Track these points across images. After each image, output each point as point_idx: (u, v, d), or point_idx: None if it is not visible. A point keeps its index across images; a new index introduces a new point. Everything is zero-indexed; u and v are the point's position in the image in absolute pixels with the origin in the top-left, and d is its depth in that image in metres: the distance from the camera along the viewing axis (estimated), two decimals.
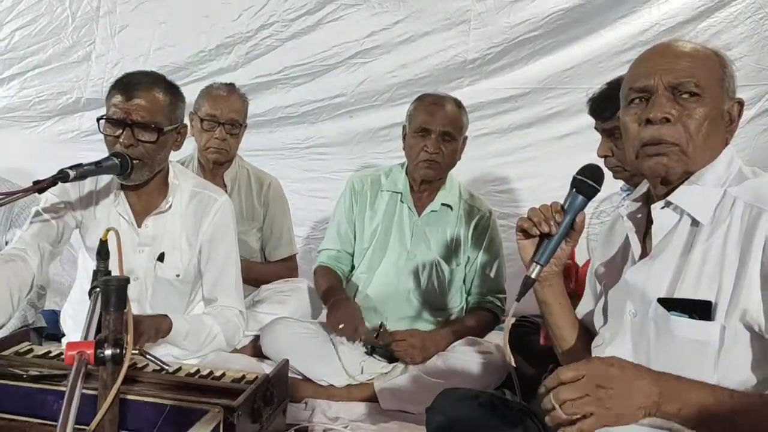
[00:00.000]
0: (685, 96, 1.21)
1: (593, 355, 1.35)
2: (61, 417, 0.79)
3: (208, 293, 2.04)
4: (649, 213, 1.31)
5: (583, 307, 1.52)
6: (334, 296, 2.31)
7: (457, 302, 2.45)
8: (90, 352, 0.95)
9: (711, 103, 1.21)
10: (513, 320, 2.36)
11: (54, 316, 2.78)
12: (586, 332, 1.47)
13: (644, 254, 1.29)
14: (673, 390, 1.06)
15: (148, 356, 1.32)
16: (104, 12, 3.45)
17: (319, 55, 3.43)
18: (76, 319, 2.06)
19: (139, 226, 1.94)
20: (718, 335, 1.14)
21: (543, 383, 1.07)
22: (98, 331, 1.13)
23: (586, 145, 2.28)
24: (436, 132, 2.29)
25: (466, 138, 2.40)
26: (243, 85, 3.40)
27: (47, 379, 1.31)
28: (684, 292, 1.18)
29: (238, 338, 2.05)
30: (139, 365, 1.51)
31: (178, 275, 1.98)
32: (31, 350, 1.59)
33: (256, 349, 2.39)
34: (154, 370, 1.45)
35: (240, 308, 2.04)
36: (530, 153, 3.43)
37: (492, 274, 2.43)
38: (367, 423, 1.95)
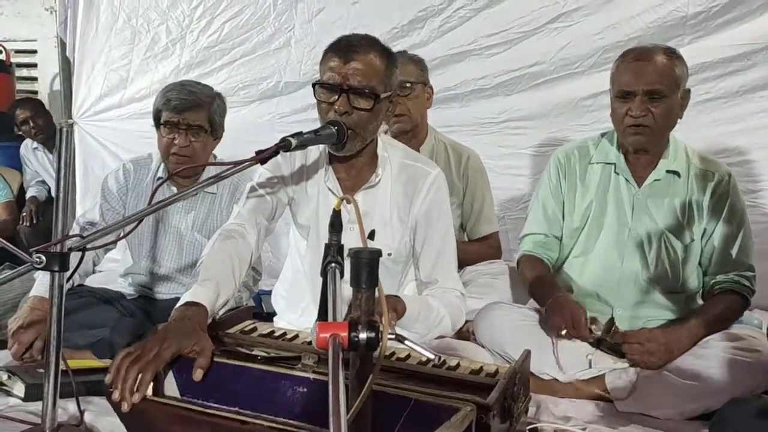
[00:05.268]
0: None
1: None
2: (331, 414, 0.65)
3: (427, 276, 1.88)
4: None
5: None
6: (548, 291, 2.06)
7: (695, 283, 2.10)
8: (344, 334, 0.82)
9: None
10: None
11: (256, 295, 2.83)
12: None
13: None
14: None
15: (407, 342, 1.16)
16: None
17: (516, 22, 3.15)
18: (288, 299, 2.02)
19: (348, 202, 1.84)
20: None
21: None
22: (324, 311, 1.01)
23: None
24: (639, 93, 1.96)
25: (688, 91, 2.04)
26: (435, 58, 3.26)
27: (280, 362, 1.21)
28: None
29: (461, 322, 1.89)
30: None
31: (389, 254, 1.86)
32: (255, 329, 1.53)
33: (459, 334, 2.22)
34: (386, 357, 1.31)
35: (461, 290, 1.88)
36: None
37: (735, 248, 2.04)
38: (602, 426, 1.70)
